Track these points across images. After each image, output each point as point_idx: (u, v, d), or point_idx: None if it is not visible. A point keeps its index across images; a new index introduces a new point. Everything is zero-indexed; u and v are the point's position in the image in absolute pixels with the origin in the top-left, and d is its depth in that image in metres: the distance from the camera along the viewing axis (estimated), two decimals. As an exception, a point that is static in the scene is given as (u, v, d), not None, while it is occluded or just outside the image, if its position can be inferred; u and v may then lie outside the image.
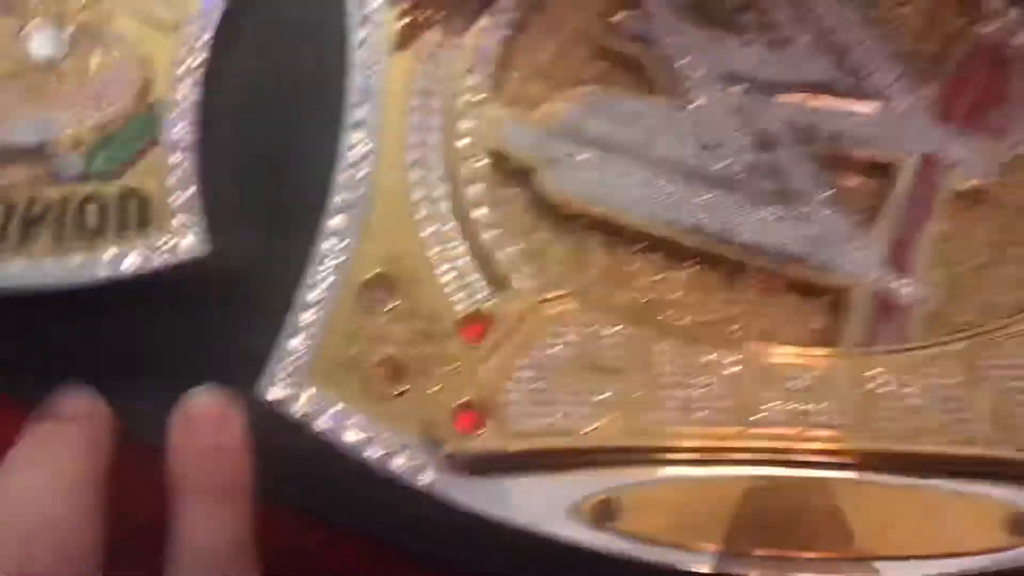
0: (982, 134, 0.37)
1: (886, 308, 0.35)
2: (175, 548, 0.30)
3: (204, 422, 0.31)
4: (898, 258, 0.36)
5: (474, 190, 0.36)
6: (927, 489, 0.34)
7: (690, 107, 0.37)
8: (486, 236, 0.36)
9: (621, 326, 0.34)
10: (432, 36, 0.38)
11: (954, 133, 0.37)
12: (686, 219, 0.36)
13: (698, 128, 0.37)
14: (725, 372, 0.34)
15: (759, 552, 0.33)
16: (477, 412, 0.33)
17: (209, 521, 0.30)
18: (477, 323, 0.34)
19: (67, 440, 0.30)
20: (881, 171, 0.37)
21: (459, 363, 0.34)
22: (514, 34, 0.38)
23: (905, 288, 0.35)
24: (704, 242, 0.36)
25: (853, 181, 0.37)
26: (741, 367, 0.34)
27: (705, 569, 0.32)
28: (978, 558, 0.33)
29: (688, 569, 0.33)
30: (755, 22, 0.38)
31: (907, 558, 0.33)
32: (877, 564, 0.33)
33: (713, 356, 0.34)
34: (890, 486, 0.34)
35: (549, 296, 0.35)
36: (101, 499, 0.29)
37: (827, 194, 0.36)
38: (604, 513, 0.33)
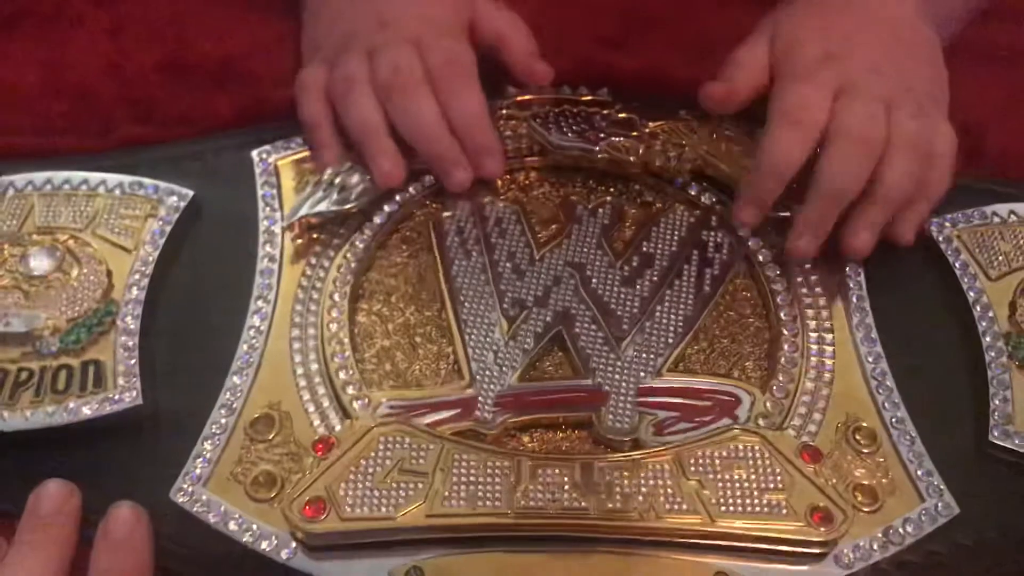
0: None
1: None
2: None
3: (118, 524, 0.44)
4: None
5: (337, 358, 0.51)
6: (655, 556, 0.46)
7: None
8: (340, 383, 0.50)
9: (435, 443, 0.48)
10: (314, 252, 0.55)
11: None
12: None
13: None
14: (501, 473, 0.47)
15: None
16: (320, 504, 0.46)
17: None
18: (326, 442, 0.48)
19: (42, 546, 0.42)
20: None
21: (311, 471, 0.47)
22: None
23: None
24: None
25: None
26: (514, 469, 0.47)
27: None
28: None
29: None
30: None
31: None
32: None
33: (496, 462, 0.47)
34: (630, 555, 0.46)
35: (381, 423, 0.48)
36: None
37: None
38: (413, 577, 0.45)
